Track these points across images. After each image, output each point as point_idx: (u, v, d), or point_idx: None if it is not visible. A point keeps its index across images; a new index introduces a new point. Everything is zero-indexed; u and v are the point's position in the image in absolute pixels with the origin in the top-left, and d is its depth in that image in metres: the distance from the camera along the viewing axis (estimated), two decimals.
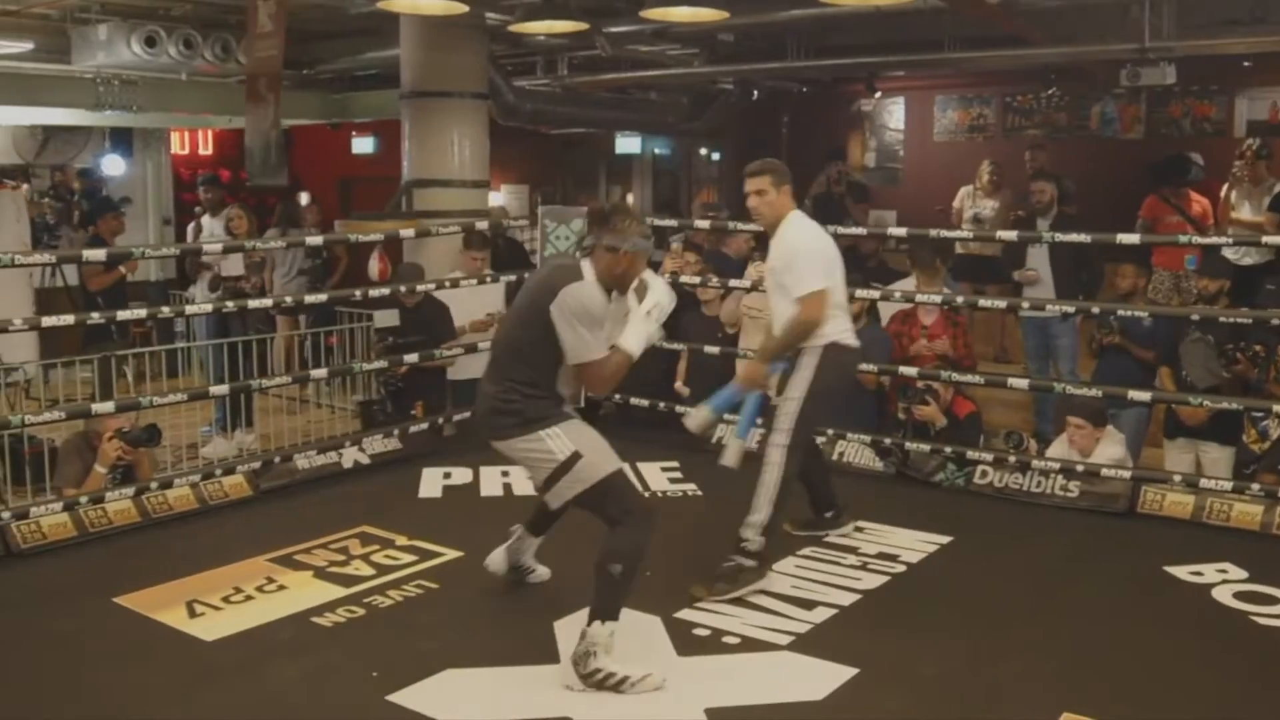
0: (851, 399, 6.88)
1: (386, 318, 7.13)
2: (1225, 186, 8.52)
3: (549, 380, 4.07)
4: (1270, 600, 4.56)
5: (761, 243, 7.56)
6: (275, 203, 10.65)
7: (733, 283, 7.06)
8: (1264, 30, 8.43)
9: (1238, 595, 4.63)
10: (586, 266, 4.06)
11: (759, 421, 4.92)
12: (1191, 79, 10.94)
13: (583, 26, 8.00)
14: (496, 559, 4.62)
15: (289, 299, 7.04)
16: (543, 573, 4.71)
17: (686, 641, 4.11)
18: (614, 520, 3.93)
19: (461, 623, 4.33)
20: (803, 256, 4.73)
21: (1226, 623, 4.40)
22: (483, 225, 7.56)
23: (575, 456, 3.95)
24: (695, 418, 4.93)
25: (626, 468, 4.11)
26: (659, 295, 4.10)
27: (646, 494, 5.91)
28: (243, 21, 8.51)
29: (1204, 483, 5.63)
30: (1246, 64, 10.79)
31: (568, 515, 4.29)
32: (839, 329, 4.77)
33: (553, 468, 3.97)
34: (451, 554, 5.00)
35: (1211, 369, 6.26)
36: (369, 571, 4.81)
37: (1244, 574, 4.83)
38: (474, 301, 7.50)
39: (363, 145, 14.32)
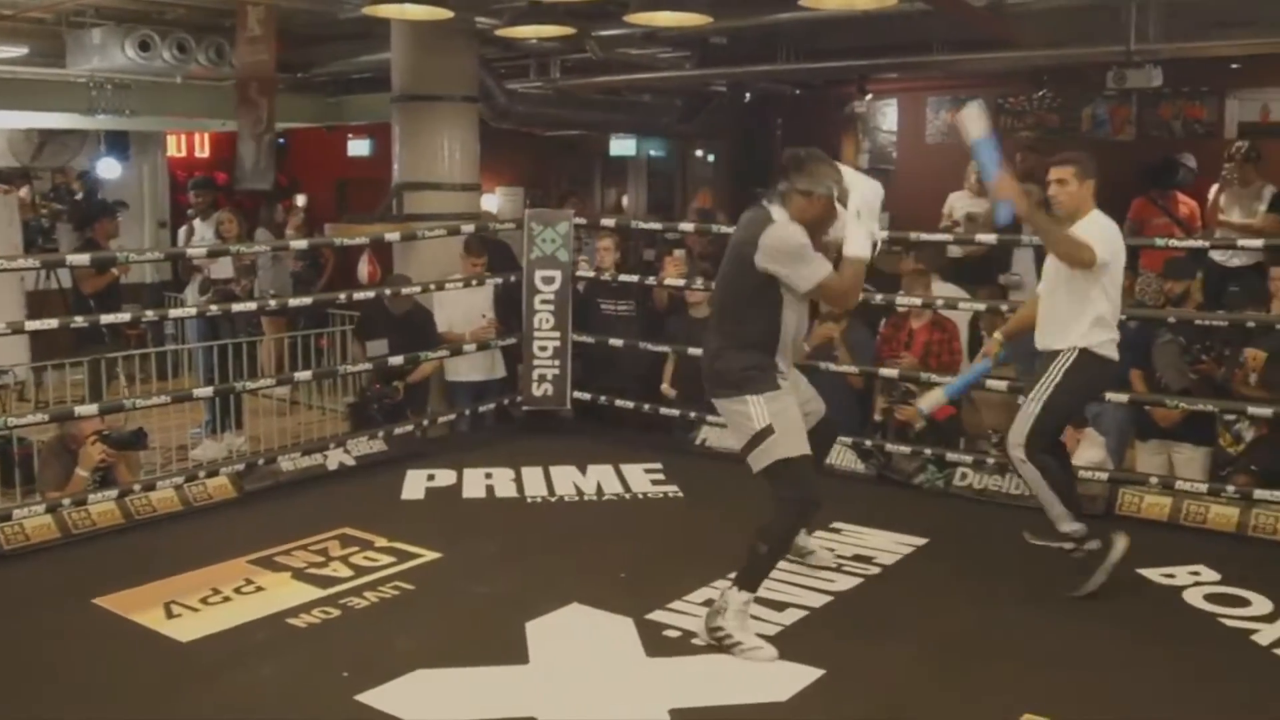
0: (836, 401, 6.94)
1: (378, 347, 7.18)
2: (1214, 188, 8.53)
3: (769, 339, 4.20)
4: (1240, 602, 4.59)
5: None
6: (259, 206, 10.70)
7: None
8: (1250, 33, 8.45)
9: (1208, 597, 4.66)
10: (777, 211, 4.19)
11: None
12: (1182, 80, 10.94)
13: (569, 31, 8.03)
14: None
15: (273, 302, 7.08)
16: (821, 555, 4.88)
17: (657, 643, 4.14)
18: (780, 500, 4.13)
19: (434, 624, 4.36)
20: (1105, 226, 4.66)
21: (1194, 625, 4.43)
22: (469, 228, 7.60)
23: (768, 430, 4.09)
24: (928, 399, 5.10)
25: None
26: (863, 191, 4.16)
27: (628, 495, 5.96)
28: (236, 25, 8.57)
29: (1180, 485, 5.66)
30: (1235, 66, 10.79)
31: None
32: (1098, 338, 4.65)
33: (750, 435, 4.13)
34: (430, 555, 5.04)
35: (1181, 370, 6.27)
36: (347, 573, 4.85)
37: (1216, 576, 4.86)
38: (464, 303, 7.55)
39: (359, 148, 14.38)
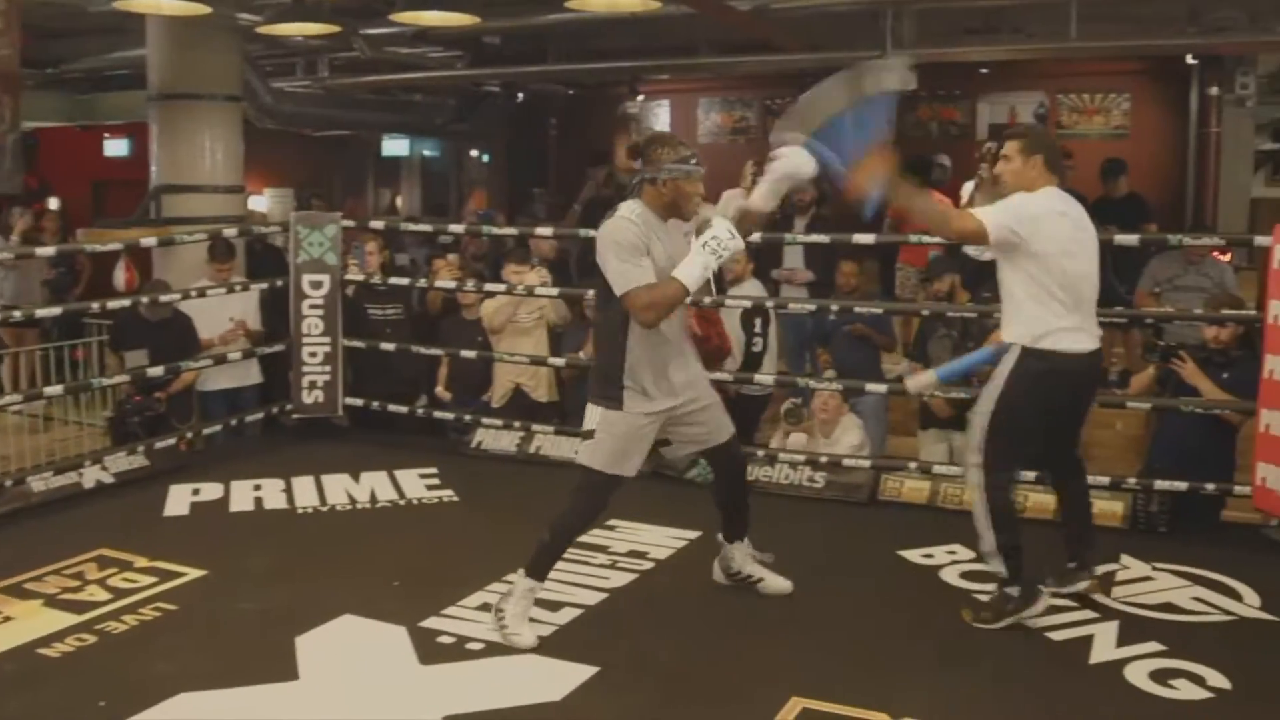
0: None
1: (137, 358, 6.84)
2: (967, 186, 8.95)
3: (618, 349, 4.16)
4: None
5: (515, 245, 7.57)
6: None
7: (489, 286, 7.06)
8: (996, 40, 8.96)
9: (964, 575, 4.89)
10: (633, 205, 4.16)
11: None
12: (937, 84, 11.52)
13: (335, 29, 7.87)
14: (715, 569, 4.76)
15: (17, 313, 6.68)
16: (775, 583, 4.67)
17: (430, 650, 4.09)
18: (571, 497, 4.28)
19: (199, 644, 4.20)
20: (1019, 202, 4.25)
21: (952, 601, 4.62)
22: (230, 232, 7.34)
23: (589, 434, 4.24)
24: (919, 380, 5.04)
25: (626, 476, 4.27)
26: (718, 231, 4.05)
27: (402, 501, 5.88)
28: None
29: (937, 469, 5.94)
30: (985, 71, 11.42)
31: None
32: (1038, 330, 4.24)
33: (584, 432, 4.30)
34: (194, 573, 4.84)
35: None
36: (104, 596, 4.61)
37: (971, 555, 5.07)
38: (213, 310, 7.26)
39: (116, 148, 13.71)
